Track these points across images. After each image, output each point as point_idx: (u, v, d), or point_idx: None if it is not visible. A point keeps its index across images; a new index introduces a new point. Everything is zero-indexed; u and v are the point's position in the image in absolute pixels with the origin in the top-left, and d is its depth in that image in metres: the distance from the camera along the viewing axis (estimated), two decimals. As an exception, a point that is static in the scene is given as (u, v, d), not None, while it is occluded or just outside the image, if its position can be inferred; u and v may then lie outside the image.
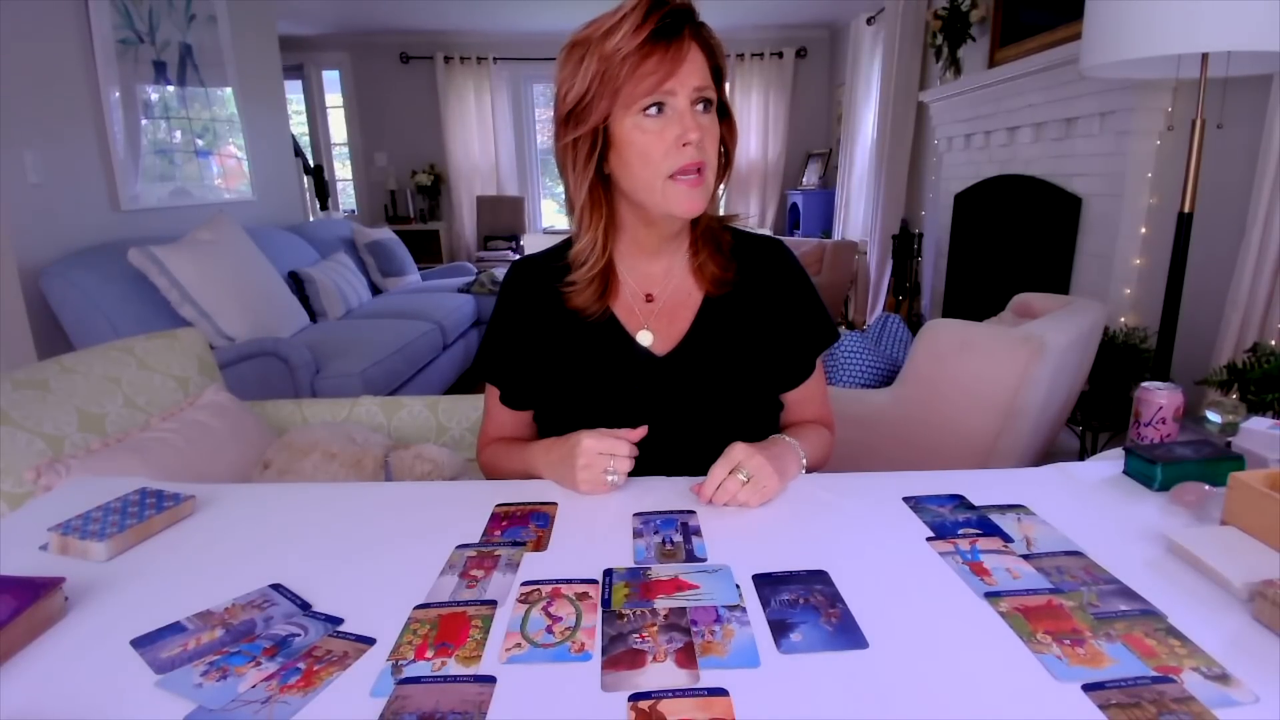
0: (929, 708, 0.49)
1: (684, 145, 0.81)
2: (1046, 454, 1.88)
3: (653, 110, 0.81)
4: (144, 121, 2.90)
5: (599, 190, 0.88)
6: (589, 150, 0.84)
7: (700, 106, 0.83)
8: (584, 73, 0.80)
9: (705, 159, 0.83)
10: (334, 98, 6.32)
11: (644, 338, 0.93)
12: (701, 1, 0.85)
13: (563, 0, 4.84)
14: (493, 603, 0.62)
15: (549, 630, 0.58)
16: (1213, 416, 0.94)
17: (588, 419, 0.92)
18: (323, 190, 5.98)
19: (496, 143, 6.25)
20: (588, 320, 0.93)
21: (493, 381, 0.99)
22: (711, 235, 0.95)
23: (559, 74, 0.84)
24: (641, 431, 0.85)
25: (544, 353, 0.94)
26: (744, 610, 0.60)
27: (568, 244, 0.95)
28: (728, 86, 0.91)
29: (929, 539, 0.71)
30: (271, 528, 0.77)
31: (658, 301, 0.94)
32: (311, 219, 5.06)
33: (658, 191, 0.84)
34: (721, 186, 0.93)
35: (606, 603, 0.61)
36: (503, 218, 6.06)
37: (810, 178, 5.81)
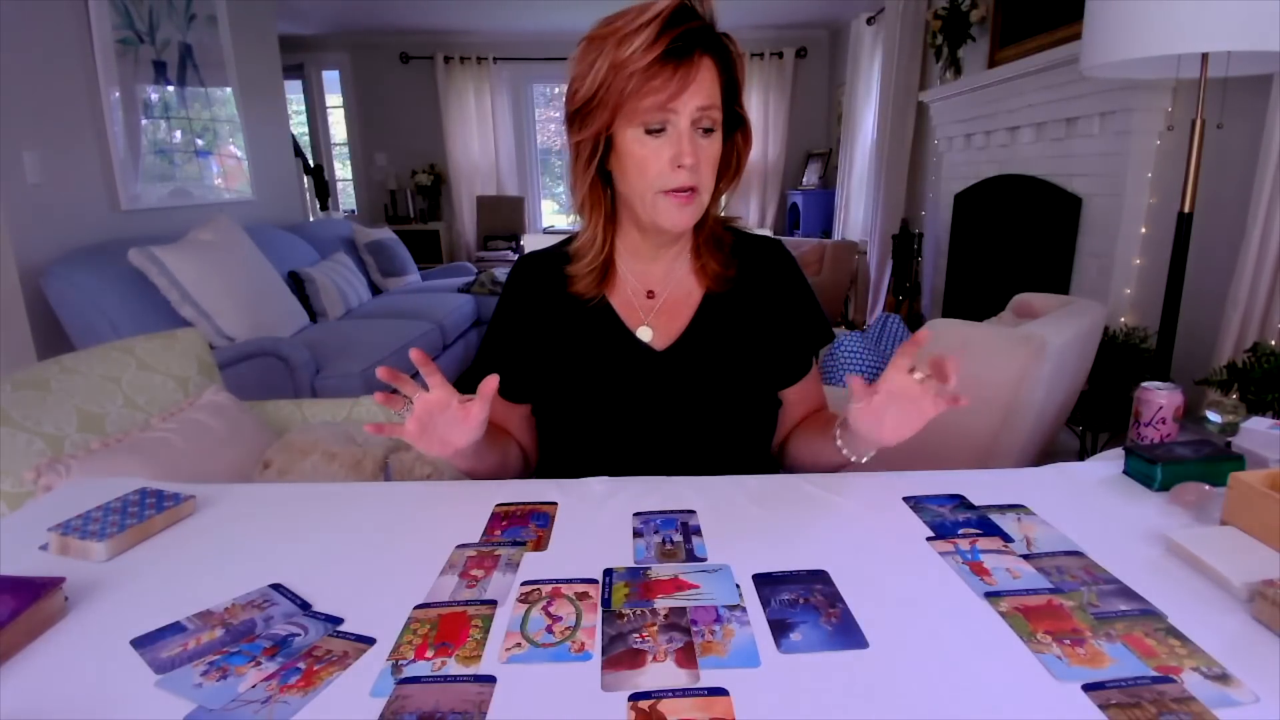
0: (929, 708, 0.49)
1: (678, 168, 0.82)
2: (1046, 454, 1.88)
3: (654, 127, 0.81)
4: (144, 121, 2.90)
5: (599, 188, 0.89)
6: (590, 153, 0.85)
7: (701, 129, 0.83)
8: (594, 75, 0.80)
9: (698, 183, 0.84)
10: (334, 98, 6.32)
11: (644, 333, 0.93)
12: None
13: (563, 0, 4.85)
14: (493, 602, 0.62)
15: (549, 630, 0.58)
16: (1213, 416, 0.94)
17: (587, 414, 0.93)
18: (323, 190, 5.98)
19: (496, 143, 6.25)
20: (589, 312, 0.94)
21: (493, 373, 0.99)
22: (714, 238, 0.95)
23: (573, 67, 0.84)
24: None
25: (544, 346, 0.95)
26: (744, 610, 0.60)
27: (573, 239, 0.96)
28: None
29: (929, 539, 0.71)
30: (271, 528, 0.77)
31: (658, 298, 0.95)
32: (311, 219, 5.06)
33: (648, 203, 0.85)
34: (724, 195, 0.93)
35: (606, 602, 0.61)
36: (503, 218, 6.06)
37: (810, 178, 5.81)
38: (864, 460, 0.87)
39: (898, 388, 0.76)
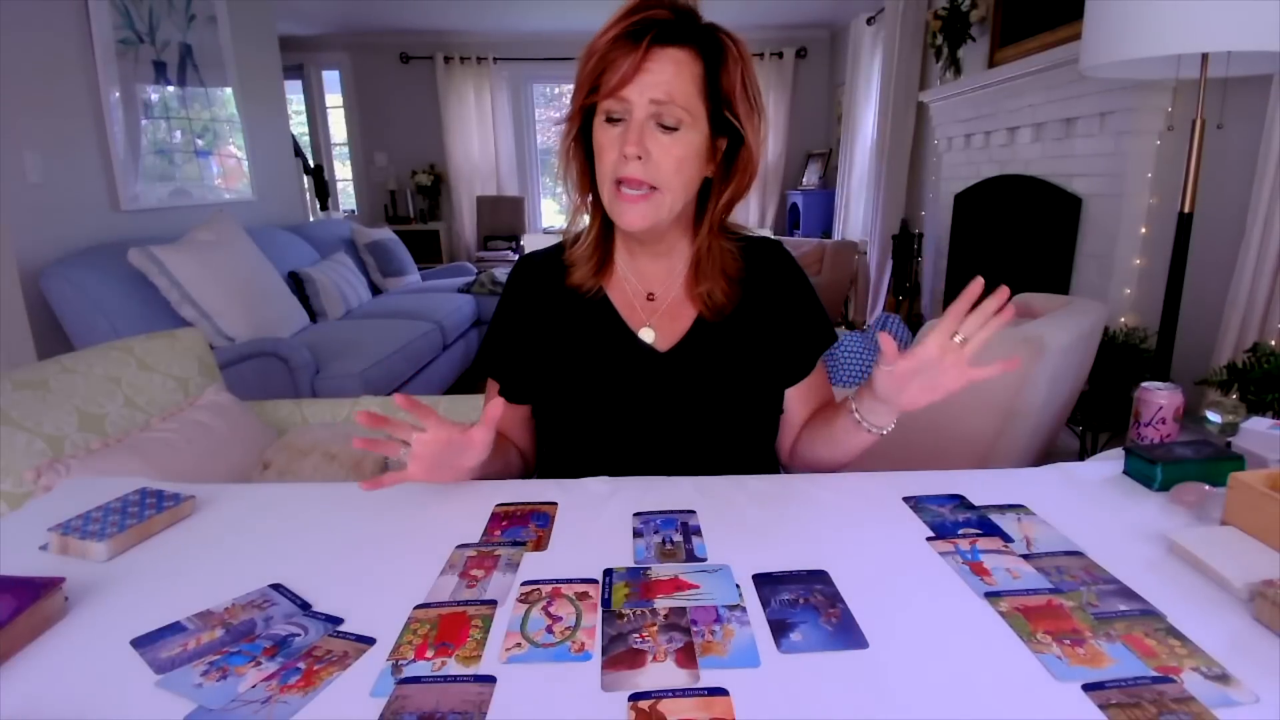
0: (929, 708, 0.49)
1: (623, 156, 0.81)
2: (1046, 454, 1.87)
3: (615, 116, 0.82)
4: (144, 121, 2.90)
5: (586, 171, 0.89)
6: (569, 131, 0.87)
7: (661, 125, 0.81)
8: (580, 60, 0.83)
9: (651, 178, 0.82)
10: (334, 98, 6.32)
11: (646, 335, 0.93)
12: (703, 2, 0.84)
13: (563, 0, 4.85)
14: (493, 602, 0.62)
15: (549, 630, 0.58)
16: (1213, 416, 0.94)
17: (588, 415, 0.93)
18: (323, 190, 5.98)
19: (496, 143, 6.25)
20: (590, 311, 0.94)
21: (493, 375, 0.99)
22: (716, 257, 0.91)
23: None
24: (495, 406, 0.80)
25: (545, 347, 0.95)
26: (744, 610, 0.60)
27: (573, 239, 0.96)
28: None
29: (929, 539, 0.71)
30: (271, 528, 0.77)
31: (659, 301, 0.95)
32: (311, 219, 5.06)
33: (607, 194, 0.85)
34: (723, 205, 0.91)
35: (606, 602, 0.61)
36: (503, 218, 6.06)
37: (810, 178, 5.81)
38: (884, 433, 0.85)
39: (931, 357, 0.75)
